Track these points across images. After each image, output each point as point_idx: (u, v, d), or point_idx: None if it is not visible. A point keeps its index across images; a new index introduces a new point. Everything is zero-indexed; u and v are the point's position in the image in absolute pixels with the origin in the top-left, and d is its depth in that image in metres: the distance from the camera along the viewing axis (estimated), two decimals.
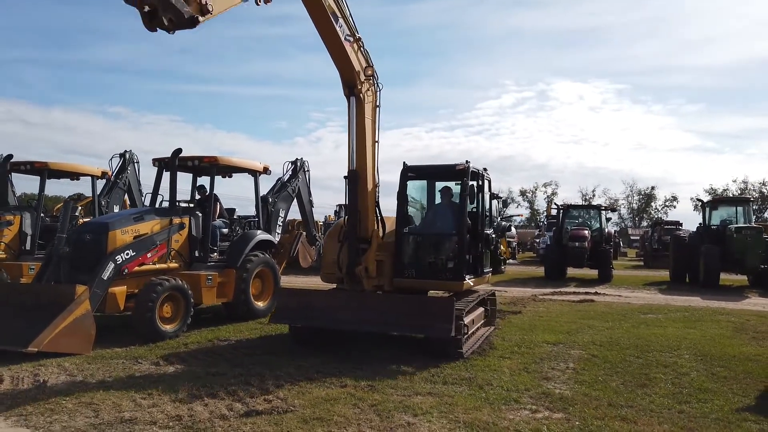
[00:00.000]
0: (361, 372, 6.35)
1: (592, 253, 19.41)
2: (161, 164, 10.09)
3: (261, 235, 10.58)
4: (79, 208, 13.90)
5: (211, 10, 4.93)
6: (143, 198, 14.04)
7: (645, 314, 11.64)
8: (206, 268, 9.58)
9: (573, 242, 19.13)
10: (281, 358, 7.07)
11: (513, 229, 35.09)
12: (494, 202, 21.89)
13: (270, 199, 12.13)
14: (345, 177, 7.81)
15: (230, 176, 11.44)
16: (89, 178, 12.41)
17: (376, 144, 8.04)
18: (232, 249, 10.18)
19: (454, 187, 8.55)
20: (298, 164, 12.94)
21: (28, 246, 11.13)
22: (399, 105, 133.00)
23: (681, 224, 31.74)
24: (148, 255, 8.79)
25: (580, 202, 67.35)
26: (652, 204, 78.62)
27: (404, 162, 8.46)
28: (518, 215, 41.04)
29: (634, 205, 79.86)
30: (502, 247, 22.26)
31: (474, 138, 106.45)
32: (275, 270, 10.81)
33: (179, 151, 9.62)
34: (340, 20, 7.09)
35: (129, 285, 8.48)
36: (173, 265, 9.20)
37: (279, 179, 12.69)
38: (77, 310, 7.13)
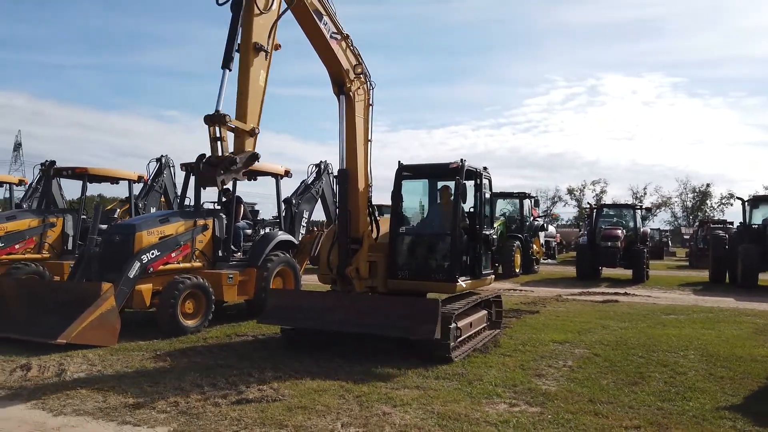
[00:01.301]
0: (360, 367, 6.64)
1: (626, 252, 19.13)
2: (188, 168, 10.70)
3: (282, 236, 11.03)
4: (118, 210, 14.77)
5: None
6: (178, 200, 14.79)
7: (667, 315, 11.50)
8: (228, 267, 10.09)
9: (605, 242, 18.89)
10: (289, 353, 7.44)
11: (552, 228, 34.70)
12: (523, 201, 21.78)
13: (294, 201, 12.61)
14: (334, 177, 7.81)
15: (255, 179, 11.95)
16: (127, 181, 13.18)
17: (369, 143, 7.97)
18: (253, 249, 10.67)
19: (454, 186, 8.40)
20: (322, 167, 13.38)
21: (69, 246, 11.95)
22: (444, 103, 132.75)
23: (731, 223, 30.60)
24: (173, 254, 9.36)
25: (630, 200, 65.71)
26: (708, 202, 75.82)
27: (399, 161, 8.42)
28: (551, 215, 40.26)
29: (688, 203, 77.23)
30: (534, 247, 22.14)
31: (521, 135, 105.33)
32: (296, 269, 11.24)
33: (203, 156, 10.09)
34: (325, 18, 7.16)
35: (155, 283, 9.05)
36: (197, 264, 9.75)
37: (303, 181, 13.17)
38: (103, 306, 7.73)
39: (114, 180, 13.30)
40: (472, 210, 8.38)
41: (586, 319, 10.69)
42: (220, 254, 10.16)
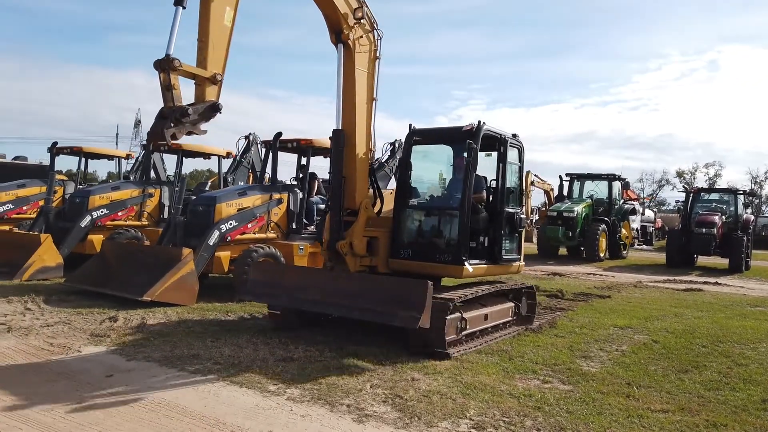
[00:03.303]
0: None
1: (724, 240, 17.91)
2: (267, 146, 11.38)
3: None
4: (209, 183, 15.93)
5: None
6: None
7: (753, 307, 10.79)
8: (300, 239, 10.69)
9: (700, 228, 17.79)
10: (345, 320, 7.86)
11: (650, 212, 32.93)
12: (612, 183, 20.88)
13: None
14: (329, 137, 6.77)
15: (328, 156, 12.44)
16: (217, 157, 14.18)
17: (374, 102, 7.04)
18: (323, 222, 11.20)
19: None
20: (396, 145, 13.66)
21: (165, 215, 13.11)
22: (544, 80, 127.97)
23: None
24: (249, 225, 10.09)
25: (748, 186, 60.72)
26: None
27: (410, 124, 7.52)
28: (643, 199, 37.99)
29: None
30: (624, 231, 21.23)
31: (629, 114, 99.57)
32: None
33: (280, 134, 10.77)
34: None
35: (232, 251, 9.82)
36: (271, 235, 10.43)
37: (377, 159, 13.52)
38: (183, 269, 8.54)
39: (206, 155, 14.31)
40: (492, 183, 7.42)
41: (658, 307, 10.30)
42: (293, 227, 10.78)
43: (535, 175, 27.22)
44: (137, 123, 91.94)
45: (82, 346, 5.99)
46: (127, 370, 5.28)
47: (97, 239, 11.51)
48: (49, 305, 7.93)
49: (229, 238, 9.66)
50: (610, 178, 21.21)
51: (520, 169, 7.85)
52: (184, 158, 13.86)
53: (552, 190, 27.03)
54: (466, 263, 6.74)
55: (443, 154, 7.98)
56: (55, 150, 13.61)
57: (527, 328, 7.70)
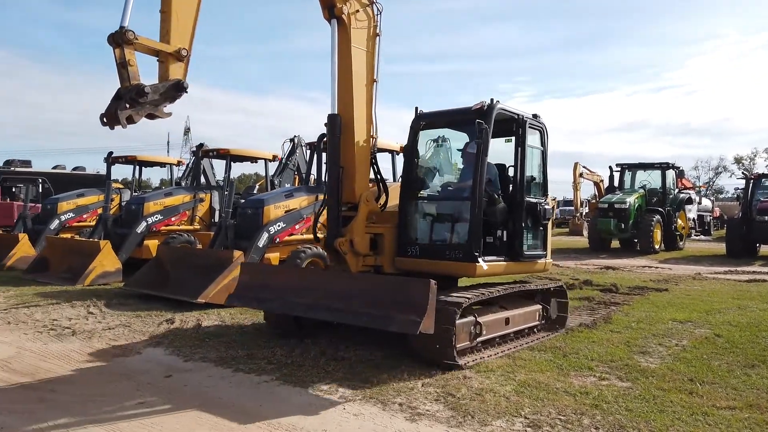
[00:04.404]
0: None
1: None
2: (311, 147, 11.52)
3: None
4: (257, 186, 16.24)
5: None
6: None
7: None
8: None
9: (762, 216, 16.96)
10: None
11: (707, 201, 31.65)
12: (666, 172, 20.14)
13: None
14: (325, 124, 6.12)
15: None
16: (263, 161, 14.44)
17: (375, 84, 6.38)
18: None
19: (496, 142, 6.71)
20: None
21: (216, 219, 13.44)
22: (593, 69, 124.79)
23: None
24: (297, 226, 10.25)
25: None
26: None
27: (416, 107, 6.89)
28: (700, 187, 36.44)
29: None
30: (680, 222, 20.47)
31: (684, 99, 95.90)
32: None
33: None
34: None
35: (281, 252, 10.01)
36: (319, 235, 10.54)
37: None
38: (235, 271, 8.68)
39: (253, 159, 14.60)
40: (510, 170, 6.82)
41: (720, 299, 9.87)
42: None
43: (584, 167, 26.59)
44: (186, 130, 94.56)
45: (141, 348, 6.21)
46: (185, 371, 5.43)
47: (152, 244, 11.91)
48: (110, 309, 8.24)
49: (277, 239, 9.84)
50: (664, 166, 20.47)
51: (543, 153, 7.06)
52: (232, 163, 14.20)
53: (602, 181, 26.34)
54: (479, 260, 6.02)
55: (456, 139, 7.13)
56: (111, 159, 14.16)
57: (558, 332, 7.02)
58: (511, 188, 6.76)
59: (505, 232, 6.55)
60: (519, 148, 6.65)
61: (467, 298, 5.55)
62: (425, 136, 6.95)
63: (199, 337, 6.65)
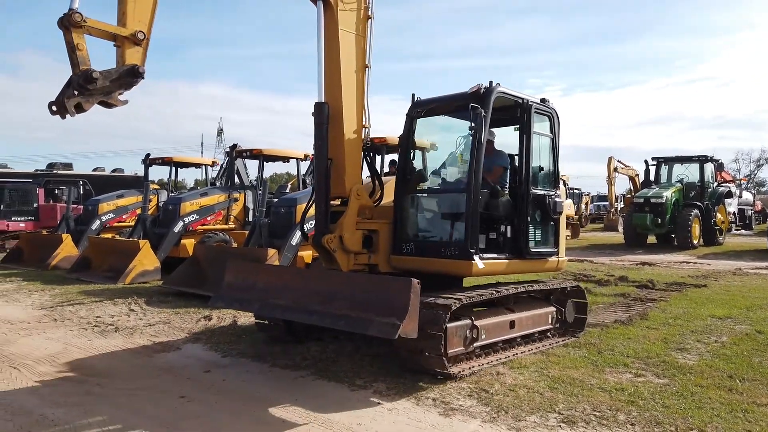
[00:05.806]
0: None
1: None
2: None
3: None
4: (289, 185, 16.44)
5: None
6: None
7: None
8: None
9: None
10: None
11: (748, 195, 30.74)
12: (704, 166, 19.63)
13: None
14: (312, 114, 5.56)
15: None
16: (295, 160, 14.62)
17: (367, 70, 5.94)
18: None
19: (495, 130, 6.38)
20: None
21: (250, 218, 13.69)
22: (623, 62, 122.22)
23: None
24: None
25: None
26: None
27: (413, 94, 6.44)
28: (740, 180, 35.28)
29: None
30: (719, 216, 19.95)
31: (720, 90, 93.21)
32: None
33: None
34: None
35: (314, 250, 10.11)
36: None
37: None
38: None
39: (285, 159, 14.79)
40: (512, 160, 6.31)
41: (762, 295, 9.62)
42: None
43: (619, 161, 26.10)
44: (220, 131, 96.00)
45: (181, 344, 6.40)
46: (223, 366, 5.58)
47: (189, 243, 12.21)
48: (150, 306, 8.50)
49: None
50: (702, 159, 19.97)
51: (553, 141, 6.47)
52: (264, 163, 14.43)
53: (637, 175, 25.81)
54: (474, 258, 5.50)
55: (456, 128, 6.58)
56: (148, 161, 14.54)
57: (575, 336, 6.57)
58: (515, 179, 6.25)
59: (509, 228, 6.06)
60: (524, 136, 6.12)
61: (458, 299, 5.00)
62: (424, 125, 6.50)
63: (236, 334, 6.82)
